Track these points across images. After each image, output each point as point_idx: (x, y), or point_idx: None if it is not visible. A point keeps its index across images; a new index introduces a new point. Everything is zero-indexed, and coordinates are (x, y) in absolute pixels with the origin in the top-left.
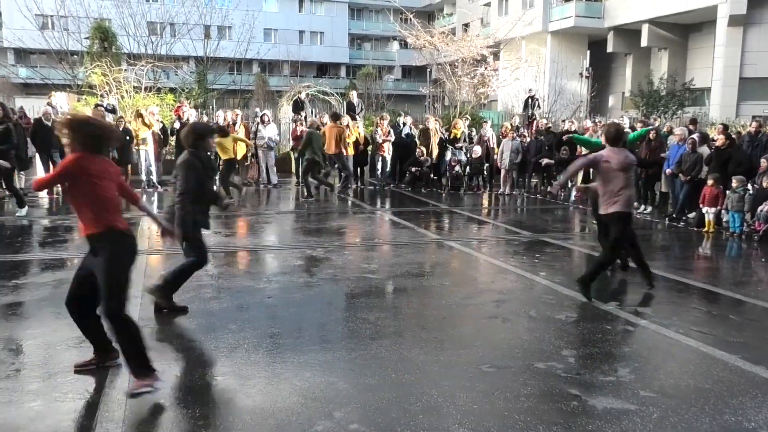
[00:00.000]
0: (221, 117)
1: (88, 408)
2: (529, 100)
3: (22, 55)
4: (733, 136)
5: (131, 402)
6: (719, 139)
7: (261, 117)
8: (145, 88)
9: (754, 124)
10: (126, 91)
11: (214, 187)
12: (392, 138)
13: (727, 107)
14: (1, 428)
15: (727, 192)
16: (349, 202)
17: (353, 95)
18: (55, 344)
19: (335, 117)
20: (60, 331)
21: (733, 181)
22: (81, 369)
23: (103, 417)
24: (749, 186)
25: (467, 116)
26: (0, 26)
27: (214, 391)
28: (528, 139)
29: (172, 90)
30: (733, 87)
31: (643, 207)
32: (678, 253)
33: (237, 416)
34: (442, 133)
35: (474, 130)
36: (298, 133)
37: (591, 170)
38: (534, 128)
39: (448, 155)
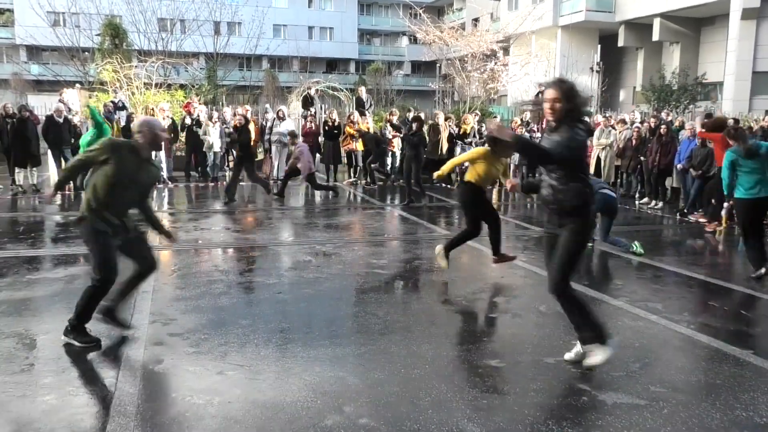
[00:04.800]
0: (229, 113)
1: (102, 402)
2: (540, 96)
3: (34, 52)
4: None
5: (144, 396)
6: None
7: (277, 113)
8: (156, 85)
9: None
10: (137, 87)
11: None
12: (401, 133)
13: (740, 101)
14: (15, 422)
15: None
16: (359, 198)
17: (362, 91)
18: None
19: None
20: None
21: None
22: None
23: (116, 411)
24: None
25: (477, 111)
26: (12, 23)
27: (225, 385)
28: (538, 135)
29: (182, 86)
30: (746, 81)
31: (654, 202)
32: (690, 248)
33: (248, 411)
34: (451, 128)
35: (484, 125)
36: (307, 129)
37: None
38: (544, 123)
39: (458, 150)
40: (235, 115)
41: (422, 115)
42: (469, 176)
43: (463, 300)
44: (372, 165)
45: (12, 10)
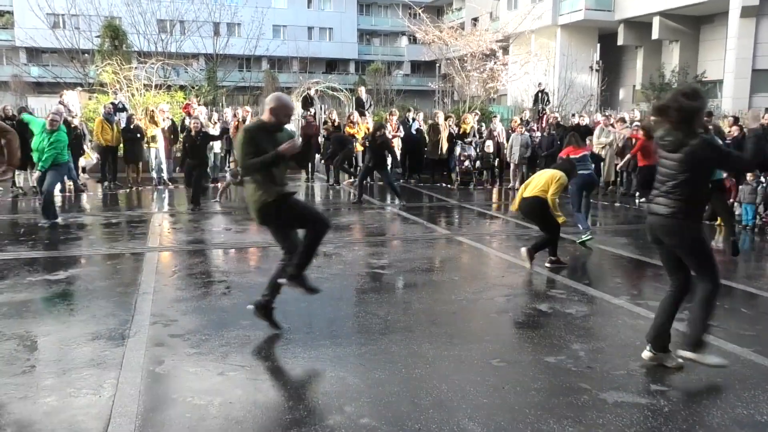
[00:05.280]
0: (229, 114)
1: (102, 403)
2: (539, 95)
3: (34, 54)
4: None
5: (145, 397)
6: (735, 130)
7: None
8: (156, 86)
9: (767, 116)
10: (136, 88)
11: None
12: (401, 134)
13: (740, 99)
14: (16, 424)
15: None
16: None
17: (362, 91)
18: (68, 340)
19: None
20: (73, 328)
21: (747, 174)
22: None
23: (117, 411)
24: (762, 178)
25: (477, 111)
26: (12, 25)
27: (226, 386)
28: (538, 134)
29: (182, 87)
30: (746, 79)
31: None
32: None
33: (249, 411)
34: (451, 128)
35: (483, 125)
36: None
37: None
38: (544, 122)
39: (458, 150)
40: (191, 118)
41: (384, 122)
42: (539, 192)
43: (463, 300)
44: (329, 163)
45: (12, 12)
